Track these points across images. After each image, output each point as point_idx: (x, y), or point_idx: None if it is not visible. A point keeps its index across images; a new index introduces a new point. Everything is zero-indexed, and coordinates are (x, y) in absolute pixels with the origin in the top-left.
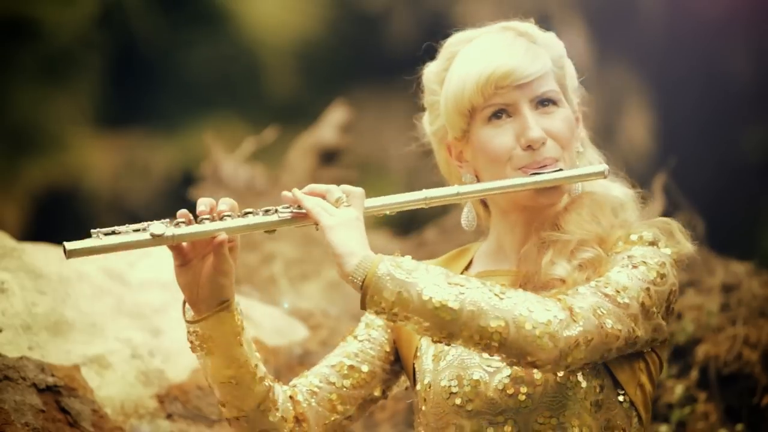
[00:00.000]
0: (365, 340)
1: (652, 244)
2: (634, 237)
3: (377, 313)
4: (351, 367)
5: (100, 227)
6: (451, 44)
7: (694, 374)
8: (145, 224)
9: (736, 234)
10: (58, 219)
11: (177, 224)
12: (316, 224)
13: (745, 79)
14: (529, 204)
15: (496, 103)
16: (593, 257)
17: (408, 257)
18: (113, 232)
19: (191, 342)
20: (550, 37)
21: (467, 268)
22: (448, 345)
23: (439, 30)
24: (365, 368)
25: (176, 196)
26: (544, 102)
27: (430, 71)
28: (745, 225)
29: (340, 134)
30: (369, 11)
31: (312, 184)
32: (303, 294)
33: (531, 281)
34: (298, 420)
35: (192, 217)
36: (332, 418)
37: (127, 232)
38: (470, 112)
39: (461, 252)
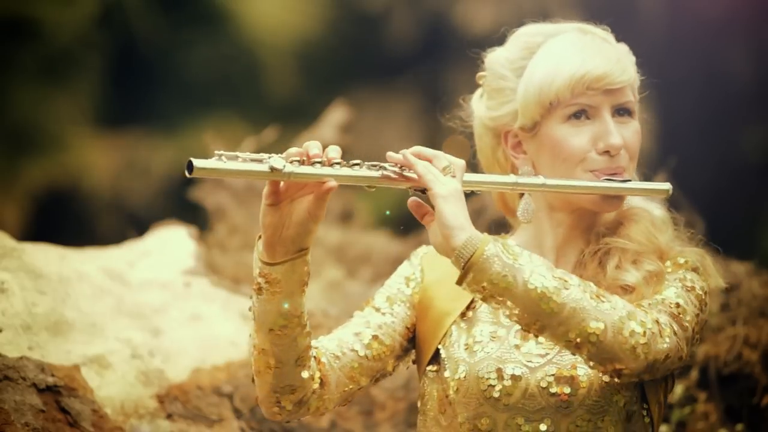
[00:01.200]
0: (388, 314)
1: (695, 270)
2: (681, 260)
3: (474, 291)
4: (375, 337)
5: (101, 227)
6: (530, 34)
7: (694, 374)
8: (264, 155)
9: (736, 234)
10: (58, 219)
11: (293, 162)
12: (423, 190)
13: (745, 79)
14: (589, 207)
15: (580, 103)
16: (657, 271)
17: (512, 241)
18: (236, 157)
19: (258, 283)
20: (626, 48)
21: None
22: (535, 335)
23: (438, 30)
24: (387, 341)
25: (176, 196)
26: (622, 111)
27: (503, 57)
28: (745, 225)
29: (340, 134)
30: (369, 11)
31: (419, 147)
32: None
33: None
34: (322, 382)
35: (303, 158)
36: (349, 386)
37: (247, 160)
38: (551, 105)
39: None
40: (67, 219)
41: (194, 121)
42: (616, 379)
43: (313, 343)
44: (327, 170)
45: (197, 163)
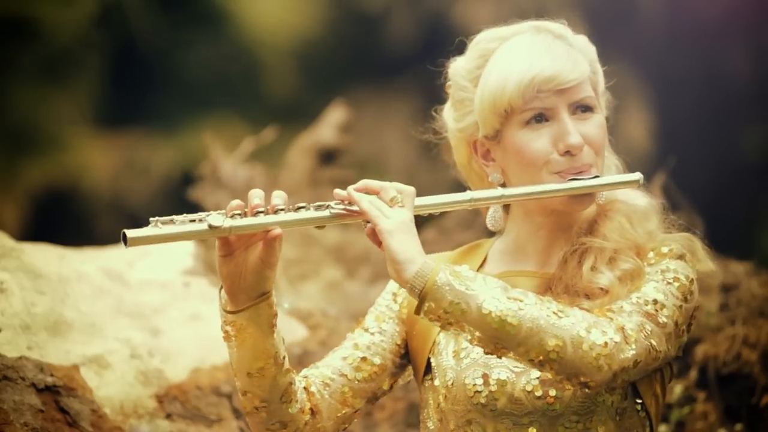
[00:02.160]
0: (377, 332)
1: (681, 257)
2: (665, 249)
3: (432, 320)
4: (363, 359)
5: (100, 227)
6: (484, 41)
7: (693, 374)
8: (202, 214)
9: (736, 234)
10: (58, 219)
11: (233, 216)
12: (367, 222)
13: (744, 78)
14: (560, 208)
15: (535, 107)
16: (633, 268)
17: (466, 266)
18: (171, 221)
19: (226, 332)
20: (584, 40)
21: (481, 265)
22: (499, 357)
23: (438, 30)
24: (377, 361)
25: (175, 196)
26: (581, 107)
27: (460, 67)
28: (744, 225)
29: (339, 134)
30: (368, 11)
31: (366, 180)
32: (302, 294)
33: (566, 286)
34: (313, 412)
35: (245, 210)
36: (343, 411)
37: (184, 222)
38: (507, 113)
39: (473, 248)
40: (66, 219)
41: (194, 121)
42: (586, 390)
43: (304, 372)
44: (271, 218)
45: (131, 233)
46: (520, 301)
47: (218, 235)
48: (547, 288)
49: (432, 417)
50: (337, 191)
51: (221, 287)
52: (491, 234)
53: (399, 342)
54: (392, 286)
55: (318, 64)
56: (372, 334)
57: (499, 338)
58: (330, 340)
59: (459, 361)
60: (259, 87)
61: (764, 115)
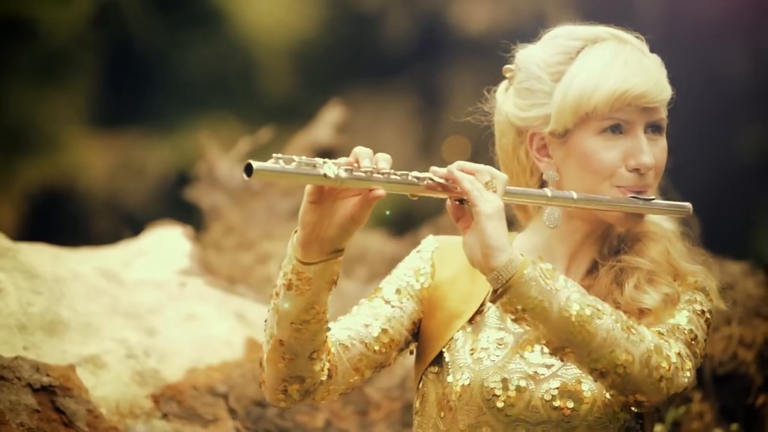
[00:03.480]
0: (397, 307)
1: (703, 290)
2: (691, 280)
3: (507, 312)
4: (384, 330)
5: (96, 227)
6: (564, 37)
7: None
8: (319, 161)
9: (732, 234)
10: (54, 219)
11: (346, 169)
12: (461, 200)
13: (742, 80)
14: (609, 221)
15: (617, 118)
16: (673, 294)
17: (549, 264)
18: (291, 160)
19: (289, 280)
20: (659, 60)
21: None
22: (560, 359)
23: (434, 30)
24: (394, 335)
25: (172, 196)
26: (654, 128)
27: (537, 57)
28: (740, 225)
29: (335, 134)
30: (364, 11)
31: (461, 161)
32: None
33: (601, 299)
34: (329, 373)
35: (354, 165)
36: (354, 378)
37: (301, 164)
38: (587, 116)
39: None
40: (62, 219)
41: (190, 121)
42: (634, 408)
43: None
44: (376, 177)
45: (256, 165)
46: (598, 309)
47: (329, 185)
48: None
49: (430, 410)
50: (435, 168)
51: (295, 231)
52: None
53: (415, 321)
54: (414, 261)
55: (314, 64)
56: (393, 307)
57: (572, 341)
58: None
59: (477, 362)
60: (255, 87)
61: (762, 116)
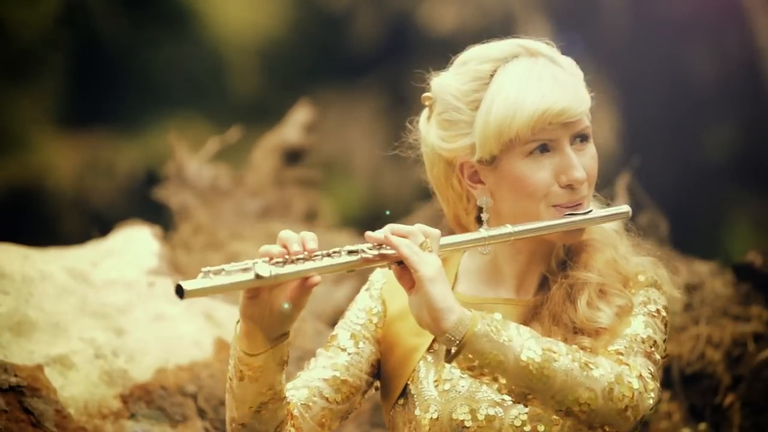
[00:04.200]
0: (354, 353)
1: (655, 285)
2: (641, 278)
3: (464, 369)
4: (343, 381)
5: (64, 227)
6: (475, 61)
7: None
8: (249, 263)
9: (700, 234)
10: (21, 219)
11: (276, 263)
12: (400, 262)
13: (707, 79)
14: (550, 239)
15: (541, 138)
16: (626, 304)
17: (498, 314)
18: (222, 271)
19: (240, 371)
20: (572, 63)
21: (453, 285)
22: (525, 405)
23: (402, 30)
24: (355, 382)
25: (140, 195)
26: (580, 137)
27: (451, 86)
28: (708, 225)
29: (304, 134)
30: (333, 11)
31: (393, 224)
32: None
33: (552, 316)
34: None
35: (285, 257)
36: None
37: (233, 272)
38: (510, 142)
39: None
40: (30, 218)
41: (158, 121)
42: None
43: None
44: (309, 265)
45: (186, 285)
46: (554, 352)
47: (264, 284)
48: (532, 317)
49: None
50: (370, 234)
51: (237, 322)
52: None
53: (373, 362)
54: (364, 302)
55: (283, 64)
56: (350, 354)
57: (533, 389)
58: (295, 341)
59: (443, 394)
60: (223, 87)
61: (727, 116)
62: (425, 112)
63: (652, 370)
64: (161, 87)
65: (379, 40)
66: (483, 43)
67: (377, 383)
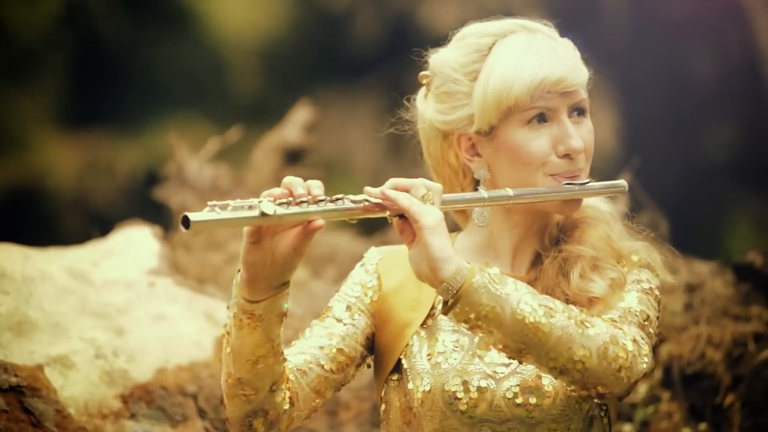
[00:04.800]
0: (349, 324)
1: (648, 267)
2: (634, 258)
3: (460, 321)
4: (339, 350)
5: (64, 227)
6: (474, 35)
7: (658, 374)
8: (254, 201)
9: (700, 234)
10: (22, 219)
11: (281, 204)
12: (402, 215)
13: (708, 79)
14: (548, 211)
15: (539, 107)
16: (618, 277)
17: (496, 269)
18: (227, 206)
19: (240, 320)
20: (571, 44)
21: None
22: (519, 361)
23: (403, 30)
24: (350, 353)
25: (140, 195)
26: (578, 111)
27: (450, 59)
28: (708, 225)
29: (304, 134)
30: (334, 11)
31: (395, 179)
32: None
33: (544, 290)
34: (291, 401)
35: (290, 199)
36: (316, 401)
37: (237, 208)
38: (509, 110)
39: None
40: (30, 218)
41: (158, 121)
42: (596, 400)
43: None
44: (313, 208)
45: (193, 216)
46: (551, 308)
47: (268, 223)
48: None
49: (395, 418)
50: (369, 189)
51: (238, 271)
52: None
53: (368, 335)
54: (360, 276)
55: (283, 64)
56: (345, 325)
57: (528, 344)
58: (295, 339)
59: (436, 366)
60: (224, 87)
61: (727, 116)
62: (422, 90)
63: (645, 340)
64: (161, 87)
65: (379, 40)
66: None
67: (370, 360)
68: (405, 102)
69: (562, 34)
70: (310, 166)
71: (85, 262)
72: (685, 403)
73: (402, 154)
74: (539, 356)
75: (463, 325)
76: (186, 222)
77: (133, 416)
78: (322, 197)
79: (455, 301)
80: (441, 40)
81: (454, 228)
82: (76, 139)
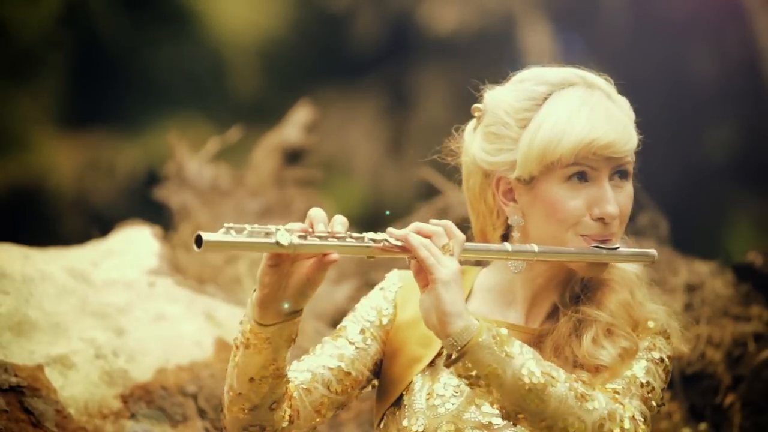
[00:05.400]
0: (361, 348)
1: (663, 334)
2: (651, 324)
3: (461, 376)
4: (347, 374)
5: (64, 227)
6: (531, 82)
7: None
8: (271, 228)
9: (700, 234)
10: (22, 218)
11: (299, 236)
12: (420, 260)
13: (708, 79)
14: (572, 268)
15: (582, 164)
16: (631, 347)
17: (504, 329)
18: (243, 230)
19: (247, 339)
20: (627, 103)
21: (466, 298)
22: (514, 424)
23: (403, 30)
24: (357, 377)
25: (140, 195)
26: (620, 174)
27: (504, 102)
28: (708, 225)
29: (304, 134)
30: (334, 11)
31: (418, 224)
32: None
33: (555, 347)
34: (290, 419)
35: (308, 231)
36: (316, 420)
37: (255, 233)
38: (552, 164)
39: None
40: (30, 218)
41: (158, 121)
42: None
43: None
44: (332, 242)
45: (206, 236)
46: (553, 377)
47: (282, 252)
48: (535, 345)
49: None
50: (392, 230)
51: (254, 291)
52: (475, 263)
53: (377, 361)
54: (377, 301)
55: (283, 64)
56: (357, 348)
57: (525, 409)
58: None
59: (432, 409)
60: (224, 87)
61: (727, 116)
62: (473, 122)
63: (646, 415)
64: (161, 87)
65: (379, 40)
66: (482, 43)
67: (375, 382)
68: (453, 132)
69: (562, 35)
70: (310, 166)
71: (85, 262)
72: (685, 403)
73: (401, 154)
74: (534, 422)
75: (463, 381)
76: (199, 241)
77: (133, 416)
78: (340, 233)
79: (459, 356)
80: (441, 40)
81: (478, 261)
82: (76, 139)
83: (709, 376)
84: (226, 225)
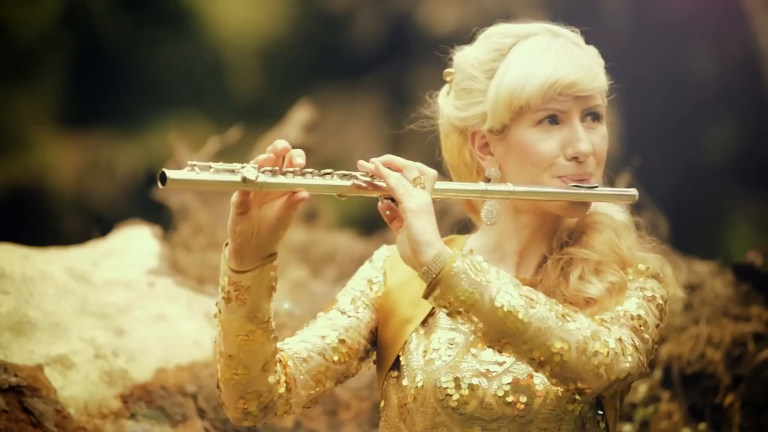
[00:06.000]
0: (353, 316)
1: (656, 277)
2: (642, 267)
3: (440, 306)
4: (341, 341)
5: (64, 227)
6: (498, 35)
7: (658, 374)
8: (237, 165)
9: (700, 234)
10: (21, 219)
11: (265, 172)
12: (391, 198)
13: (708, 79)
14: (555, 212)
15: (551, 108)
16: (619, 281)
17: (479, 256)
18: (208, 167)
19: (227, 293)
20: (596, 51)
21: None
22: (498, 351)
23: (403, 30)
24: (353, 345)
25: (140, 195)
26: (591, 116)
27: (471, 56)
28: (708, 225)
29: (304, 134)
30: (333, 11)
31: (390, 155)
32: None
33: (545, 293)
34: (287, 386)
35: (275, 168)
36: (315, 389)
37: (219, 171)
38: (521, 109)
39: (446, 243)
40: (30, 219)
41: (158, 121)
42: (577, 397)
43: (278, 345)
44: (299, 180)
45: (170, 174)
46: (531, 299)
47: (249, 188)
48: None
49: (392, 415)
50: (363, 163)
51: (226, 244)
52: (459, 232)
53: (372, 329)
54: (367, 272)
55: (283, 64)
56: (349, 317)
57: (506, 333)
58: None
59: (429, 363)
60: (224, 86)
61: (727, 117)
62: (445, 87)
63: (637, 342)
64: (161, 87)
65: (379, 40)
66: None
67: (374, 356)
68: (427, 98)
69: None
70: (310, 166)
71: (85, 262)
72: (684, 403)
73: (402, 153)
74: (517, 346)
75: (443, 310)
76: (163, 178)
77: (133, 416)
78: (310, 170)
79: (435, 285)
80: (441, 40)
81: (466, 230)
82: (76, 139)
83: (708, 376)
84: (190, 162)
